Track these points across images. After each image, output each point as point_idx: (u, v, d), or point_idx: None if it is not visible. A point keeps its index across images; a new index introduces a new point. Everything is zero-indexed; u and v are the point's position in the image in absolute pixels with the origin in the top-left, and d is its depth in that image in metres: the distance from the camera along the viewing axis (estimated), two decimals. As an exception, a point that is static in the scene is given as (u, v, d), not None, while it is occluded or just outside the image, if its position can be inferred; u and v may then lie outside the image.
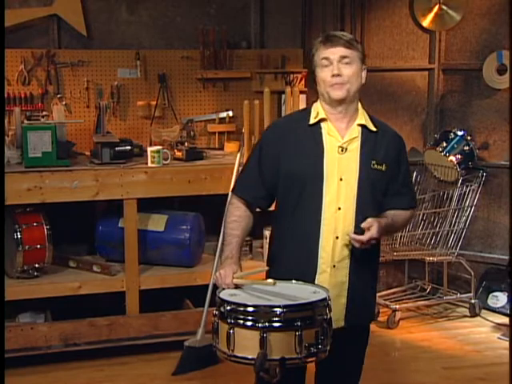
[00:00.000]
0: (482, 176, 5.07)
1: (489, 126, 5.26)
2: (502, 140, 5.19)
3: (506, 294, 5.08)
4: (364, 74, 2.69)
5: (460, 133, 5.08)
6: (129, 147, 4.33)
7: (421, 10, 5.25)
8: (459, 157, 5.03)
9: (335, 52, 2.61)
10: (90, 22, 4.74)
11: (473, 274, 5.09)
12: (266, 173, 2.71)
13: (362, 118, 2.70)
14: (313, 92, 5.02)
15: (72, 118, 4.65)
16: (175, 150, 4.46)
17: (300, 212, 2.66)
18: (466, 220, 5.06)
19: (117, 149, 4.23)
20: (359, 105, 2.73)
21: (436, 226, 5.15)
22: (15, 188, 3.98)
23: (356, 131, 2.68)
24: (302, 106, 4.77)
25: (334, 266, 2.65)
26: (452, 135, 5.08)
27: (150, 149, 4.29)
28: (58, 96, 4.61)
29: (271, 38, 5.09)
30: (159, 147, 4.33)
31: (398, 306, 4.91)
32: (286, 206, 2.70)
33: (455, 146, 5.05)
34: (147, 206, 4.31)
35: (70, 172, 4.10)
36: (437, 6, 5.20)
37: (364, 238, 2.56)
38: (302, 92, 4.88)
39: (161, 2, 4.88)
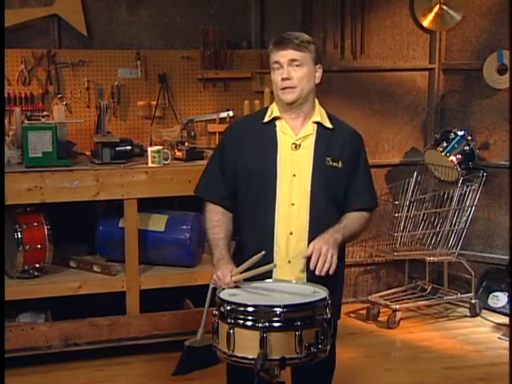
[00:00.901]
0: (483, 176, 5.07)
1: (489, 126, 5.26)
2: (503, 140, 5.19)
3: (507, 293, 5.08)
4: (319, 73, 2.74)
5: (460, 133, 5.08)
6: (129, 147, 4.33)
7: (421, 9, 5.25)
8: (459, 157, 5.03)
9: (285, 55, 2.66)
10: (91, 21, 4.74)
11: (473, 273, 5.09)
12: (227, 172, 2.76)
13: (318, 115, 2.74)
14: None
15: (72, 118, 4.65)
16: (175, 150, 4.46)
17: (256, 208, 2.70)
18: (467, 220, 5.07)
19: (117, 149, 4.23)
20: (316, 102, 2.77)
21: (436, 226, 5.16)
22: (15, 188, 3.98)
23: (311, 128, 2.72)
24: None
25: (290, 262, 2.68)
26: (452, 135, 5.07)
27: (150, 149, 4.29)
28: (59, 96, 4.61)
29: (271, 37, 5.05)
30: (159, 147, 4.33)
31: (398, 306, 4.91)
32: (245, 202, 2.74)
33: (456, 145, 5.05)
34: (147, 205, 4.31)
35: (71, 172, 4.10)
36: (437, 6, 5.20)
37: (318, 265, 2.54)
38: (302, 92, 4.87)
39: (161, 2, 4.88)
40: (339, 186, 2.72)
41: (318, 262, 2.55)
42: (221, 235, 2.72)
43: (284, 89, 2.67)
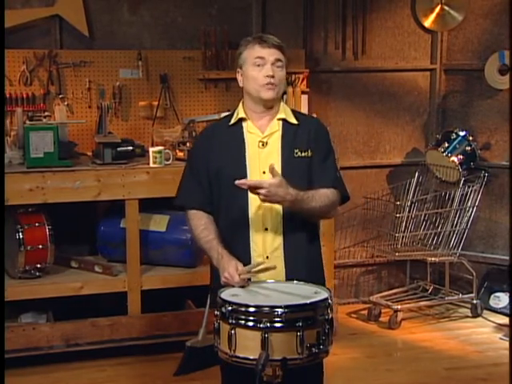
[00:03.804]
0: (484, 176, 5.07)
1: (490, 127, 5.26)
2: (504, 140, 5.19)
3: (508, 294, 5.08)
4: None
5: (462, 133, 5.07)
6: (130, 147, 4.34)
7: (422, 10, 5.25)
8: (461, 157, 5.03)
9: (271, 53, 2.70)
10: (92, 22, 4.74)
11: (474, 274, 5.08)
12: (201, 178, 2.78)
13: (283, 112, 2.77)
14: (314, 92, 5.06)
15: (74, 119, 4.65)
16: (177, 151, 4.46)
17: (230, 208, 2.73)
18: (468, 220, 5.06)
19: (119, 149, 4.24)
20: (281, 102, 2.81)
21: (438, 226, 5.15)
22: (17, 188, 3.99)
23: (276, 125, 2.76)
24: (304, 106, 4.78)
25: (268, 258, 2.69)
26: (454, 135, 5.07)
27: (151, 149, 4.30)
28: (60, 96, 4.61)
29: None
30: (161, 147, 4.34)
31: (399, 307, 4.91)
32: (220, 203, 2.76)
33: (457, 146, 5.05)
34: (149, 206, 4.32)
35: (72, 172, 4.11)
36: (438, 7, 5.20)
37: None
38: (303, 92, 4.88)
39: (162, 3, 4.87)
40: (312, 175, 2.74)
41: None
42: (211, 236, 2.73)
43: (267, 85, 2.68)
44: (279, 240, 2.70)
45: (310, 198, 2.66)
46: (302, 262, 2.73)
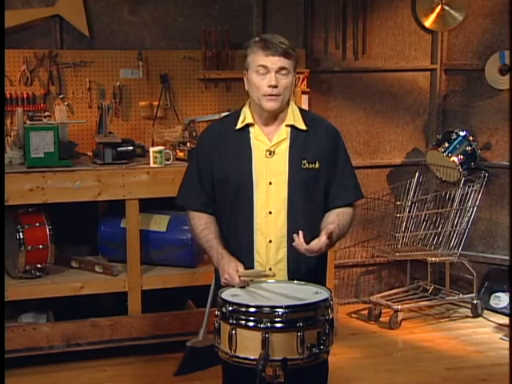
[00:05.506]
0: (484, 176, 5.07)
1: (491, 127, 5.26)
2: (504, 140, 5.19)
3: (508, 294, 5.07)
4: (294, 81, 2.69)
5: (462, 133, 5.07)
6: (131, 147, 4.34)
7: (423, 10, 5.25)
8: (461, 157, 5.03)
9: (275, 62, 2.58)
10: (93, 22, 4.74)
11: (475, 274, 5.08)
12: (204, 179, 2.74)
13: (291, 118, 2.69)
14: (314, 92, 5.06)
15: (74, 119, 4.65)
16: (177, 151, 4.47)
17: (235, 217, 2.69)
18: (468, 220, 5.06)
19: (119, 149, 4.24)
20: (290, 104, 2.72)
21: (438, 226, 5.15)
22: (17, 188, 3.99)
23: (284, 133, 2.68)
24: (304, 106, 4.78)
25: (270, 269, 2.66)
26: (454, 136, 5.07)
27: (152, 149, 4.30)
28: (61, 96, 4.61)
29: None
30: (161, 147, 4.34)
31: (400, 307, 4.91)
32: (223, 210, 2.72)
33: (457, 146, 5.05)
34: (149, 206, 4.32)
35: (73, 172, 4.11)
36: (439, 7, 5.20)
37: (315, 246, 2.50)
38: (304, 92, 4.88)
39: (163, 3, 4.87)
40: (319, 187, 2.68)
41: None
42: (211, 236, 2.70)
43: (269, 95, 2.60)
44: (283, 252, 2.67)
45: (337, 232, 2.61)
46: (305, 276, 2.69)
